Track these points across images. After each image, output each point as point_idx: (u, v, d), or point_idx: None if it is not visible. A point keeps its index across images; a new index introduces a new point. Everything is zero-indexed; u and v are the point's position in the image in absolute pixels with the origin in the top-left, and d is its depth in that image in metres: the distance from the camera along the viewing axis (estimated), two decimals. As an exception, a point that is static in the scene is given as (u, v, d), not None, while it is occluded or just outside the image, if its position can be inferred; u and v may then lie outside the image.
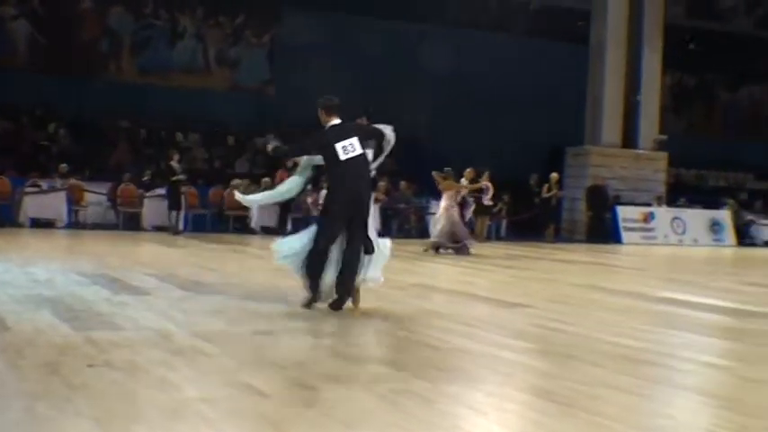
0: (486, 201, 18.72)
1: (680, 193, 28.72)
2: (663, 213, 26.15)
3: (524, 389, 5.42)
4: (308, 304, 8.07)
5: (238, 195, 9.50)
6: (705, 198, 28.87)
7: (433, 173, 17.52)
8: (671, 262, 20.05)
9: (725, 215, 27.14)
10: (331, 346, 6.44)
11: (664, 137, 27.32)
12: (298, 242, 8.23)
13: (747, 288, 12.95)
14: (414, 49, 29.13)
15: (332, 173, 8.13)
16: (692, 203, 27.75)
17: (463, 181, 18.15)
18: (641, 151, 27.10)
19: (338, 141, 7.94)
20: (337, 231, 7.98)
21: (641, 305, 9.98)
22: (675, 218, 26.24)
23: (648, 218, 25.70)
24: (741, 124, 36.77)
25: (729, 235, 26.74)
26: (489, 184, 18.31)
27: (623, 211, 25.49)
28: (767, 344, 7.37)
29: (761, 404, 5.17)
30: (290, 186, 8.76)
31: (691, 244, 25.64)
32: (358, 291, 8.21)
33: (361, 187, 8.02)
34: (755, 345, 7.42)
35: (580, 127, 27.13)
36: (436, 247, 16.98)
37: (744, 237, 27.35)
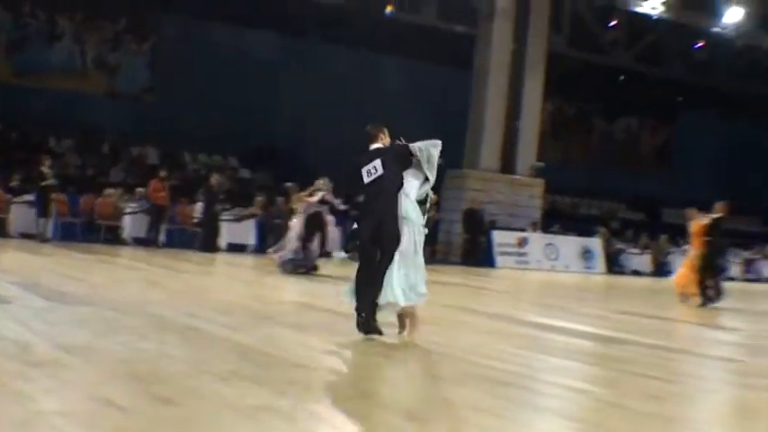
0: (339, 205, 17.85)
1: (554, 220, 29.29)
2: (537, 239, 26.61)
3: (387, 407, 5.40)
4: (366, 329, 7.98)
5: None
6: (578, 225, 29.53)
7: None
8: (542, 287, 20.44)
9: (596, 243, 27.80)
10: (196, 362, 6.30)
11: (541, 164, 27.76)
12: None
13: (614, 315, 13.28)
14: (297, 63, 29.09)
15: (363, 196, 8.21)
16: (565, 230, 28.37)
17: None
18: (518, 177, 27.48)
19: (364, 166, 8.04)
20: (369, 250, 7.98)
21: (511, 328, 10.13)
22: (549, 244, 26.74)
23: (523, 243, 26.11)
24: (616, 154, 37.90)
25: (600, 262, 27.38)
26: (323, 193, 17.28)
27: (498, 236, 25.83)
28: (629, 369, 7.55)
29: (618, 427, 5.28)
30: None
31: (563, 270, 26.16)
32: (407, 315, 8.16)
33: (379, 208, 7.97)
34: (618, 370, 7.60)
35: (460, 151, 27.39)
36: (285, 265, 16.19)
37: (614, 264, 28.10)
